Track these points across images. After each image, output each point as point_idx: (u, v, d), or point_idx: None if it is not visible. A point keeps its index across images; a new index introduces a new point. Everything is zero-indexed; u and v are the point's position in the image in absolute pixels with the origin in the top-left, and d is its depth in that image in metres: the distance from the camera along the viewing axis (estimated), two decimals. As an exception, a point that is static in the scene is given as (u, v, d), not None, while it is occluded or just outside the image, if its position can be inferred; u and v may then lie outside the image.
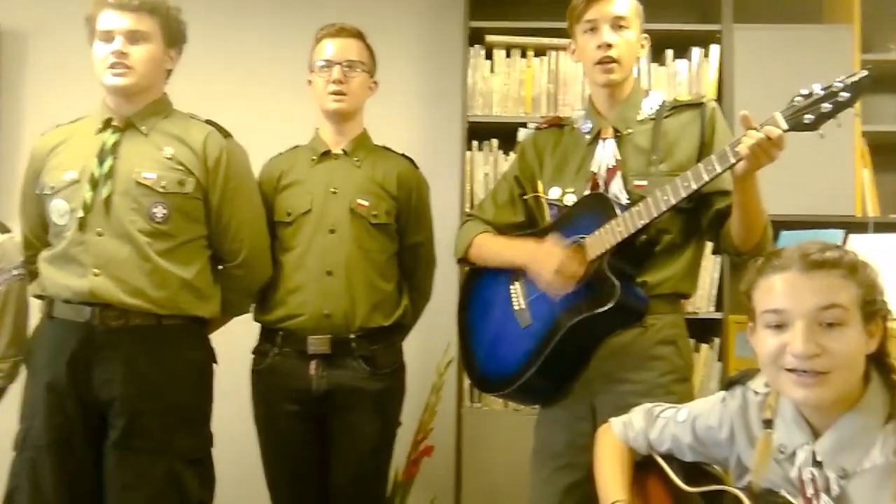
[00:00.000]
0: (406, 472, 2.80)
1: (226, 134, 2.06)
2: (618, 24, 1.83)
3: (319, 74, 2.16)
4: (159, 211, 1.92)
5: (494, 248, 1.97)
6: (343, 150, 2.20)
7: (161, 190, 1.92)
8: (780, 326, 1.24)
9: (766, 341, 1.26)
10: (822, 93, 1.49)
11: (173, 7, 2.02)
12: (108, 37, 1.93)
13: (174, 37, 2.03)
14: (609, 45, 1.82)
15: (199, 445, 1.99)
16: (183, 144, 1.98)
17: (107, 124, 1.98)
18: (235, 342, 2.17)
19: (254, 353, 2.19)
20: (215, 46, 3.12)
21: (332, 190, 2.14)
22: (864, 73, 1.48)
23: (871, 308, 1.23)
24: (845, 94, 1.47)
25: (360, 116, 2.24)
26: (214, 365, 2.07)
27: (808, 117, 1.49)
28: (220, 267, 2.07)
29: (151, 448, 1.88)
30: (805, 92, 1.51)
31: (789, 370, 1.22)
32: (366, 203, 2.13)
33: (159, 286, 1.90)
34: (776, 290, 1.25)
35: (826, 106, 1.48)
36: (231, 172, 2.02)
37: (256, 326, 2.20)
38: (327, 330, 2.07)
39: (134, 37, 1.93)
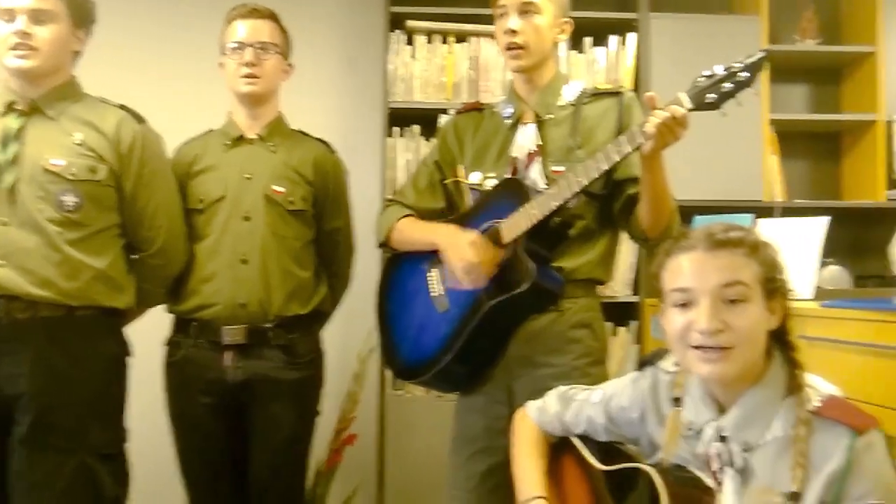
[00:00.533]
0: (328, 461, 2.79)
1: (139, 119, 1.99)
2: (525, 9, 1.83)
3: (231, 57, 2.10)
4: (69, 199, 1.85)
5: (415, 232, 1.96)
6: (257, 134, 2.15)
7: (71, 177, 1.85)
8: (686, 305, 1.28)
9: (674, 320, 1.30)
10: (723, 73, 1.53)
11: None
12: (10, 15, 1.83)
13: (82, 16, 1.94)
14: (514, 32, 1.83)
15: (113, 440, 1.93)
16: (94, 130, 1.91)
17: (9, 108, 1.88)
18: (151, 333, 2.11)
19: (167, 344, 2.13)
20: (127, 29, 3.02)
21: (247, 176, 2.09)
22: (762, 54, 1.53)
23: (772, 286, 1.28)
24: (744, 74, 1.51)
25: (275, 100, 2.19)
26: (129, 358, 2.00)
27: (711, 96, 1.53)
28: (135, 256, 2.01)
29: (62, 444, 1.82)
30: (707, 73, 1.55)
31: (696, 347, 1.26)
32: (281, 189, 2.09)
33: (70, 277, 1.84)
34: (683, 269, 1.29)
35: (727, 85, 1.52)
36: (146, 158, 1.95)
37: (172, 317, 2.14)
38: (243, 319, 2.03)
39: (38, 16, 1.84)
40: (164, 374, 2.12)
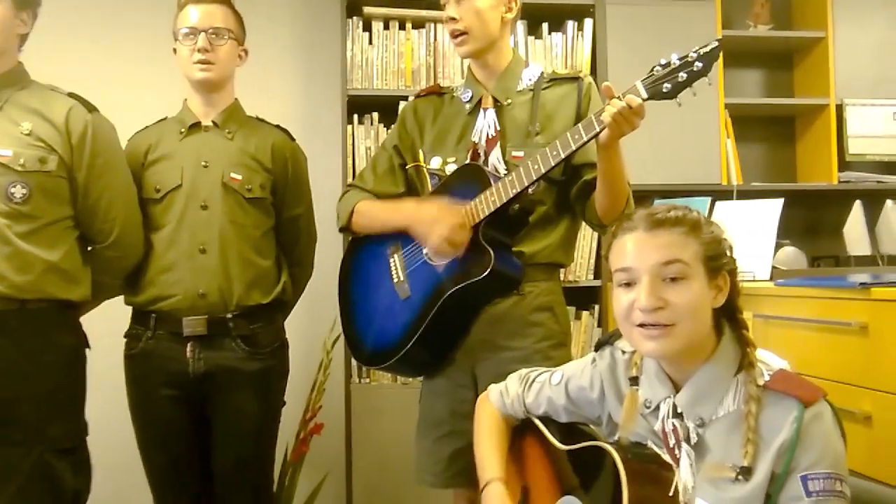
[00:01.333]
0: (295, 450, 2.78)
1: (90, 108, 1.94)
2: None
3: (183, 43, 2.06)
4: (18, 191, 1.80)
5: (376, 213, 1.96)
6: (213, 121, 2.11)
7: (19, 168, 1.80)
8: (629, 284, 1.30)
9: (619, 299, 1.32)
10: (678, 63, 1.54)
11: None
12: None
13: None
14: (453, 19, 1.83)
15: (72, 433, 1.90)
16: (43, 119, 1.85)
17: None
18: (114, 325, 2.08)
19: (126, 336, 2.09)
20: (75, 11, 2.94)
21: (203, 163, 2.05)
22: (715, 43, 1.54)
23: (716, 263, 1.29)
24: (699, 64, 1.53)
25: (231, 86, 2.16)
26: (87, 350, 1.97)
27: (667, 86, 1.55)
28: (90, 248, 1.97)
29: (19, 439, 1.78)
30: (663, 62, 1.56)
31: (639, 325, 1.28)
32: (239, 177, 2.06)
33: (21, 270, 1.79)
34: (625, 249, 1.31)
35: (682, 75, 1.53)
36: (98, 148, 1.91)
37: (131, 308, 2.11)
38: (203, 310, 2.00)
39: None
40: (124, 367, 2.08)
